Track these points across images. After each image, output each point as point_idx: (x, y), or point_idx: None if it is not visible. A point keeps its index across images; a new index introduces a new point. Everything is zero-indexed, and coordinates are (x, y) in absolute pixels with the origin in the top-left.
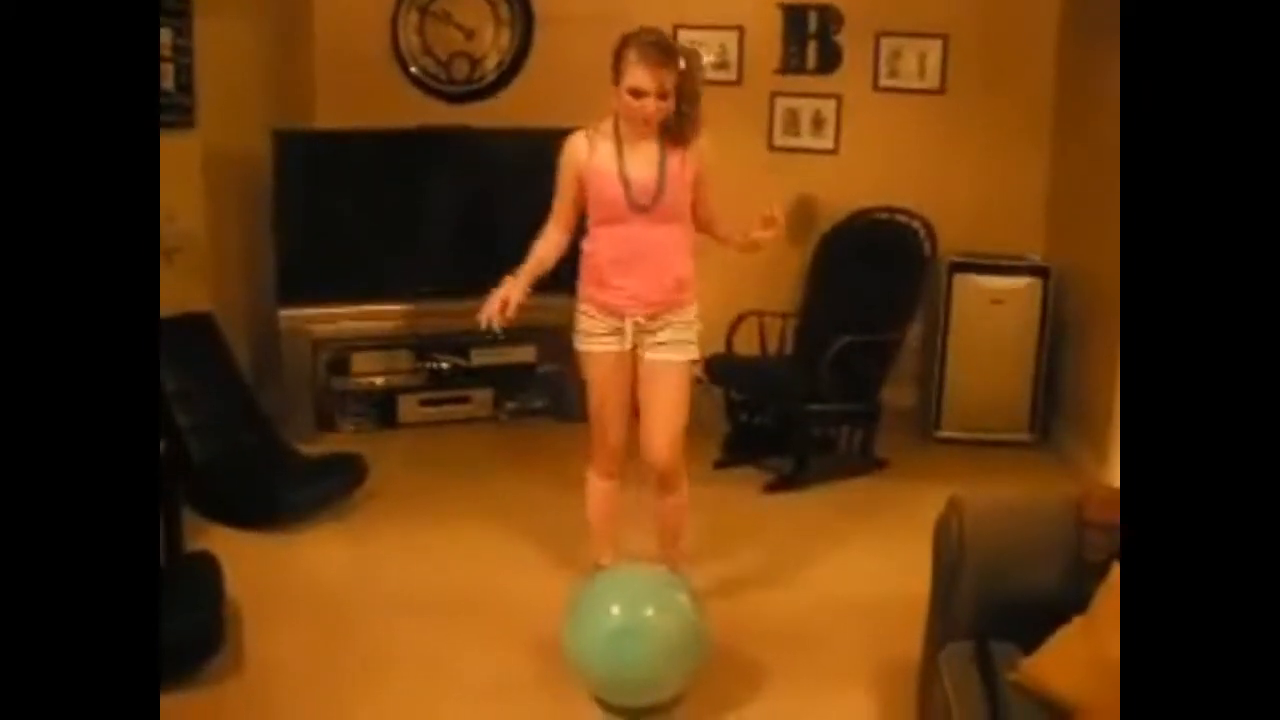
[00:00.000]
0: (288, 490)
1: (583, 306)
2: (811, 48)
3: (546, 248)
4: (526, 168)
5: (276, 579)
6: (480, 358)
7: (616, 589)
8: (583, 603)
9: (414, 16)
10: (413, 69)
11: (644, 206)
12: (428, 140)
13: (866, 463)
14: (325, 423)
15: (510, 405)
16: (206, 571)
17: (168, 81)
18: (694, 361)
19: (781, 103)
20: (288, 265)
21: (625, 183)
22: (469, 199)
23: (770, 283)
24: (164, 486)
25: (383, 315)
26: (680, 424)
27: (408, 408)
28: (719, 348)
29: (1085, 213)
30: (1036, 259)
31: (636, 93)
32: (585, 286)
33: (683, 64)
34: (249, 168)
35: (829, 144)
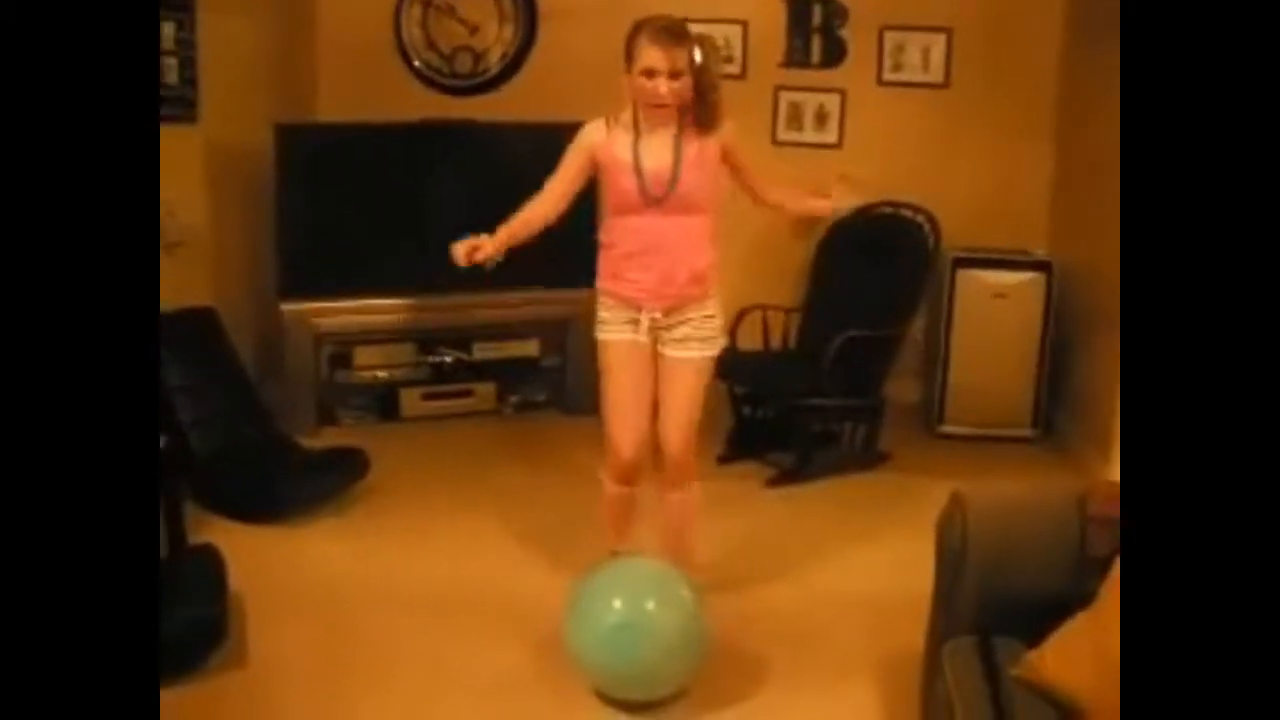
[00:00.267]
0: (290, 484)
1: (602, 298)
2: (815, 42)
3: (533, 210)
4: (529, 162)
5: (278, 573)
6: (483, 351)
7: (618, 583)
8: (584, 597)
9: (417, 10)
10: (416, 62)
11: (658, 198)
12: (431, 134)
13: (869, 458)
14: (327, 417)
15: (513, 399)
16: (210, 565)
17: (170, 75)
18: (713, 357)
19: (785, 97)
20: (290, 259)
21: (639, 173)
22: (472, 193)
23: (774, 277)
24: (166, 481)
25: (385, 309)
26: (693, 417)
27: (410, 401)
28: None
29: (1089, 208)
30: (1040, 254)
31: (649, 73)
32: (603, 279)
33: (699, 56)
34: (251, 161)
35: (833, 138)
